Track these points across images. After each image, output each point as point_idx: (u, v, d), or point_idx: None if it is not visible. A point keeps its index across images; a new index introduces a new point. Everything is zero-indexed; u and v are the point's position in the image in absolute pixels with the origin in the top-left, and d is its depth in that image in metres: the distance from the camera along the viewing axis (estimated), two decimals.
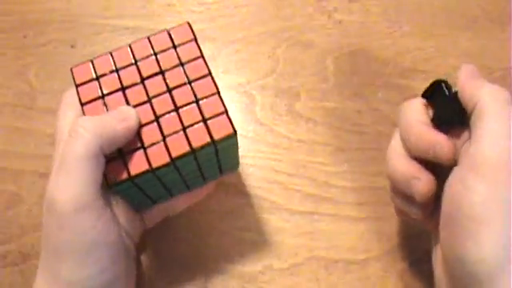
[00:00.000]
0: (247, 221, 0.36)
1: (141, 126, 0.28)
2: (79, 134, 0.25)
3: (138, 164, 0.27)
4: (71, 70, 0.29)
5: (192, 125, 0.28)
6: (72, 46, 0.43)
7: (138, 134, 0.27)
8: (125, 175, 0.26)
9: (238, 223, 0.36)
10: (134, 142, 0.27)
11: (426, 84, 0.42)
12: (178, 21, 0.45)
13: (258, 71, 0.42)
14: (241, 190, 0.37)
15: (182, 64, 0.29)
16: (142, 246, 0.33)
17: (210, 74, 0.29)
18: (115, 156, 0.27)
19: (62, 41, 0.44)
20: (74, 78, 0.29)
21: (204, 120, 0.28)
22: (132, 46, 0.30)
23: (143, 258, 0.35)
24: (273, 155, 0.38)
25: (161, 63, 0.29)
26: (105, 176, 0.26)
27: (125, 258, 0.27)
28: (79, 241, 0.24)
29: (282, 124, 0.40)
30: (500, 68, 0.42)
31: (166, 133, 0.27)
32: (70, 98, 0.29)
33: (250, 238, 0.36)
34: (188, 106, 0.28)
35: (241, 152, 0.28)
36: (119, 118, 0.26)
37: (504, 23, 0.44)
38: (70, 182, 0.24)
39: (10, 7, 0.45)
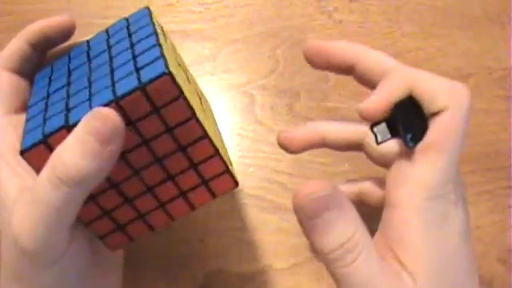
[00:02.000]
0: (247, 221, 0.36)
1: (131, 198, 0.24)
2: (54, 184, 0.20)
3: (139, 230, 0.26)
4: (22, 154, 0.22)
5: (192, 189, 0.25)
6: None
7: (130, 206, 0.25)
8: (126, 241, 0.26)
9: (238, 223, 0.36)
10: (129, 213, 0.25)
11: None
12: (178, 21, 0.45)
13: (258, 71, 0.42)
14: (241, 190, 0.37)
15: (170, 130, 0.23)
16: None
17: (206, 134, 0.23)
18: (114, 228, 0.25)
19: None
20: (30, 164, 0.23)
21: (204, 182, 0.25)
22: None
23: (142, 258, 0.35)
24: (273, 155, 0.38)
25: (143, 132, 0.23)
26: (104, 242, 0.25)
27: (102, 274, 0.26)
28: (44, 275, 0.23)
29: (282, 124, 0.40)
30: (500, 68, 0.42)
31: (163, 200, 0.25)
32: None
33: (250, 238, 0.35)
34: (184, 173, 0.24)
35: (241, 152, 0.28)
36: (102, 149, 0.20)
37: (504, 23, 0.44)
38: (37, 226, 0.21)
39: (9, 7, 0.45)
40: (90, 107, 0.22)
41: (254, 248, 0.35)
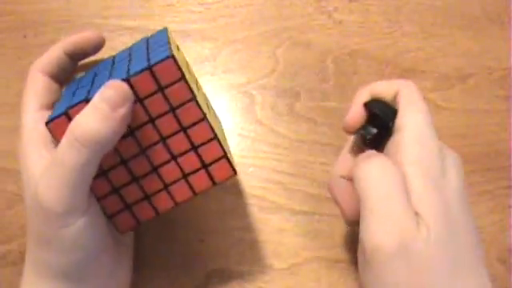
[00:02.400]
0: (247, 221, 0.36)
1: (138, 177, 0.28)
2: (73, 145, 0.24)
3: (145, 213, 0.28)
4: (47, 125, 0.26)
5: (193, 172, 0.28)
6: None
7: (137, 185, 0.28)
8: (134, 223, 0.29)
9: (238, 223, 0.36)
10: (136, 192, 0.28)
11: (426, 84, 0.42)
12: (178, 21, 0.45)
13: (258, 71, 0.42)
14: (241, 190, 0.37)
15: (173, 109, 0.27)
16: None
17: (205, 117, 0.27)
18: (122, 207, 0.28)
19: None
20: (52, 134, 0.27)
21: (204, 166, 0.28)
22: None
23: (143, 258, 0.35)
24: (273, 155, 0.38)
25: (149, 110, 0.26)
26: (114, 224, 0.28)
27: (114, 246, 0.29)
28: (67, 233, 0.25)
29: (283, 124, 0.40)
30: (500, 68, 0.42)
31: (167, 182, 0.28)
32: (33, 76, 0.30)
33: (250, 238, 0.36)
34: (186, 155, 0.27)
35: (241, 152, 0.28)
36: (114, 113, 0.25)
37: (504, 23, 0.44)
38: (60, 187, 0.24)
39: (9, 7, 0.45)
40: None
41: (254, 248, 0.35)
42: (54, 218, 0.25)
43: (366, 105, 0.29)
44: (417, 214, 0.24)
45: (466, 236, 0.25)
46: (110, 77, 0.27)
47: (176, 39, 0.44)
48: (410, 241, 0.23)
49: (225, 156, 0.28)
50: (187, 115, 0.26)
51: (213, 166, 0.28)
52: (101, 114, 0.24)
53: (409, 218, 0.24)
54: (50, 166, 0.25)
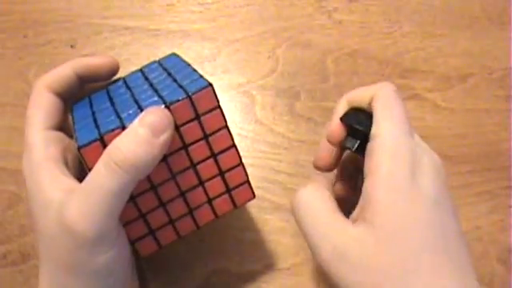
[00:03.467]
0: (247, 221, 0.36)
1: (165, 202, 0.28)
2: (112, 169, 0.23)
3: (168, 237, 0.29)
4: (79, 149, 0.25)
5: (217, 196, 0.28)
6: (72, 46, 0.43)
7: (163, 210, 0.28)
8: (156, 247, 0.29)
9: (238, 223, 0.36)
10: (161, 217, 0.28)
11: (426, 84, 0.42)
12: (178, 21, 0.45)
13: (258, 71, 0.42)
14: None
15: (206, 136, 0.27)
16: None
17: (234, 144, 0.28)
18: (147, 232, 0.28)
19: (61, 41, 0.44)
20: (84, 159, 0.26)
21: (228, 190, 0.29)
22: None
23: (144, 258, 0.35)
24: (273, 155, 0.38)
25: (184, 137, 0.26)
26: (137, 248, 0.28)
27: (133, 275, 0.29)
28: (101, 260, 0.25)
29: (282, 124, 0.40)
30: (500, 68, 0.42)
31: (192, 206, 0.28)
32: (39, 93, 0.29)
33: (250, 238, 0.36)
34: (213, 180, 0.28)
35: (241, 152, 0.28)
36: (155, 139, 0.24)
37: (504, 23, 0.44)
38: (95, 212, 0.24)
39: (10, 7, 0.45)
40: (141, 110, 0.25)
41: (254, 248, 0.35)
42: (89, 244, 0.24)
43: (343, 118, 0.29)
44: (364, 219, 0.24)
45: (435, 252, 0.24)
46: (138, 102, 0.27)
47: (176, 39, 0.44)
48: (341, 244, 0.24)
49: (247, 181, 0.29)
50: (219, 142, 0.27)
51: (236, 190, 0.29)
52: (142, 139, 0.24)
53: (339, 224, 0.25)
54: (81, 191, 0.24)
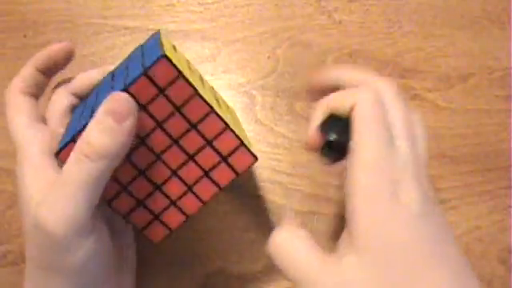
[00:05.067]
0: (247, 221, 0.36)
1: (160, 184, 0.27)
2: (81, 161, 0.24)
3: (175, 219, 0.28)
4: (57, 155, 0.26)
5: (213, 167, 0.28)
6: None
7: (160, 193, 0.27)
8: (166, 231, 0.29)
9: (238, 223, 0.36)
10: (161, 200, 0.28)
11: (426, 84, 0.42)
12: (178, 21, 0.45)
13: (258, 71, 0.42)
14: (241, 190, 0.37)
15: (178, 109, 0.26)
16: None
17: (212, 109, 0.26)
18: (151, 218, 0.28)
19: (61, 41, 0.43)
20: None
21: (223, 159, 0.28)
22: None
23: (143, 258, 0.35)
24: (273, 155, 0.38)
25: (155, 115, 0.26)
26: (147, 236, 0.28)
27: (118, 268, 0.28)
28: (75, 258, 0.24)
29: (283, 124, 0.40)
30: (500, 68, 0.42)
31: (190, 183, 0.28)
32: (15, 98, 0.29)
33: (250, 238, 0.36)
34: (202, 151, 0.27)
35: None
36: (119, 125, 0.24)
37: (504, 23, 0.44)
38: (64, 207, 0.24)
39: (9, 7, 0.45)
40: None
41: (254, 248, 0.35)
42: (60, 241, 0.24)
43: (321, 127, 0.27)
44: (351, 243, 0.23)
45: (429, 268, 0.22)
46: (112, 91, 0.26)
47: (176, 39, 0.44)
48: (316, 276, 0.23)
49: (242, 144, 0.27)
50: (194, 111, 0.26)
51: (232, 156, 0.27)
52: (106, 127, 0.24)
53: (321, 272, 0.23)
54: (52, 188, 0.24)
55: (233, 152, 0.27)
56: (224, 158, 0.27)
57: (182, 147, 0.27)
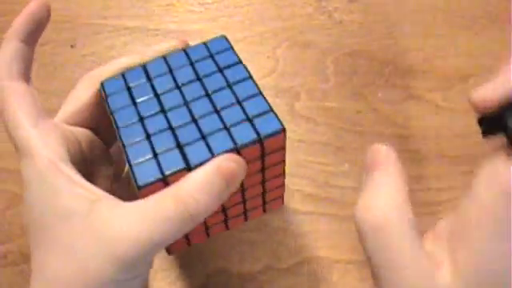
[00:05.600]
0: (248, 221, 0.36)
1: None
2: (188, 219, 0.22)
3: (198, 238, 0.28)
4: (139, 189, 0.23)
5: (252, 209, 0.28)
6: (72, 46, 0.43)
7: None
8: (185, 246, 0.29)
9: None
10: (200, 226, 0.27)
11: (426, 84, 0.42)
12: (178, 21, 0.45)
13: (258, 71, 0.42)
14: None
15: (263, 169, 0.26)
16: None
17: (284, 173, 0.27)
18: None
19: (61, 41, 0.44)
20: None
21: (264, 203, 0.29)
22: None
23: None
24: None
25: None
26: (167, 247, 0.28)
27: None
28: (136, 283, 0.24)
29: None
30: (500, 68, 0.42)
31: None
32: (6, 89, 0.25)
33: (250, 238, 0.35)
34: (254, 198, 0.27)
35: None
36: (227, 188, 0.23)
37: (504, 23, 0.44)
38: (146, 241, 0.22)
39: (9, 7, 0.45)
40: (211, 152, 0.23)
41: (254, 248, 0.35)
42: (126, 264, 0.22)
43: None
44: (452, 255, 0.21)
45: None
46: (196, 121, 0.25)
47: (176, 39, 0.44)
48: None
49: (284, 190, 0.29)
50: (272, 173, 0.27)
51: (270, 203, 0.29)
52: (218, 191, 0.22)
53: (426, 279, 0.21)
54: (133, 215, 0.22)
55: (273, 200, 0.29)
56: (264, 203, 0.29)
57: (244, 193, 0.27)
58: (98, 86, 0.27)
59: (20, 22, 0.26)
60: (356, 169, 0.37)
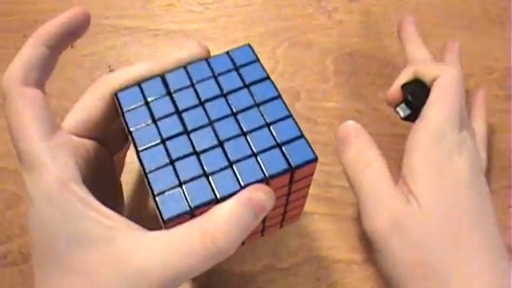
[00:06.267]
0: None
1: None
2: (213, 253, 0.21)
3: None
4: (165, 223, 0.22)
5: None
6: (72, 46, 0.43)
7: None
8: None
9: None
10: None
11: None
12: (178, 21, 0.45)
13: None
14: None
15: (289, 193, 0.25)
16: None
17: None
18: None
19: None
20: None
21: (282, 221, 0.28)
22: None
23: None
24: None
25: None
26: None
27: None
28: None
29: None
30: (500, 68, 0.42)
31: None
32: (17, 96, 0.23)
33: None
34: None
35: None
36: (255, 220, 0.22)
37: (504, 23, 0.44)
38: (173, 272, 0.21)
39: (9, 7, 0.45)
40: (239, 182, 0.22)
41: (254, 248, 0.35)
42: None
43: (403, 86, 0.31)
44: (410, 192, 0.26)
45: (470, 228, 0.26)
46: (222, 145, 0.23)
47: (176, 39, 0.44)
48: (401, 218, 0.26)
49: (299, 215, 0.29)
50: (296, 196, 0.26)
51: (288, 219, 0.29)
52: (247, 224, 0.21)
53: (397, 199, 0.26)
54: (161, 246, 0.21)
55: (293, 213, 0.28)
56: (282, 220, 0.28)
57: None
58: (111, 95, 0.25)
59: (53, 26, 0.24)
60: None
